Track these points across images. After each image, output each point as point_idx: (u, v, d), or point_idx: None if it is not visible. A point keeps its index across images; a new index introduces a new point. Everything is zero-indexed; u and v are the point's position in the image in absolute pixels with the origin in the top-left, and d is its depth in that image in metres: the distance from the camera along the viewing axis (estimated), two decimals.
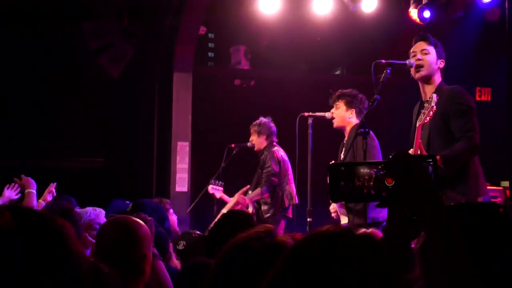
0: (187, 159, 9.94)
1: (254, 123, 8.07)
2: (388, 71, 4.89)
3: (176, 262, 4.47)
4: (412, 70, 5.01)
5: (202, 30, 10.63)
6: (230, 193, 8.13)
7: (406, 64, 5.00)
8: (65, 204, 4.63)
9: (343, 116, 6.30)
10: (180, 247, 4.62)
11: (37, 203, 5.60)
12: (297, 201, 7.82)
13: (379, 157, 6.01)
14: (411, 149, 4.73)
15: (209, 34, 11.59)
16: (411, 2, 7.71)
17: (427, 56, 4.99)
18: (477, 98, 9.95)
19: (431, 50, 5.01)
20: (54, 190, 5.97)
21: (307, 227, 6.04)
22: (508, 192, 7.79)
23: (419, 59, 4.97)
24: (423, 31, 5.34)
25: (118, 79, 10.01)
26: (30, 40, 10.00)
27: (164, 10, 9.96)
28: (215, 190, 8.17)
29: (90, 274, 1.35)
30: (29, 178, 5.66)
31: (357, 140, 5.28)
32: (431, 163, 1.82)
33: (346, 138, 6.31)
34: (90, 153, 10.67)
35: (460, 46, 9.34)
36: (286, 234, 1.96)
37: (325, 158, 6.61)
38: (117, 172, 10.36)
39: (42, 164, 9.93)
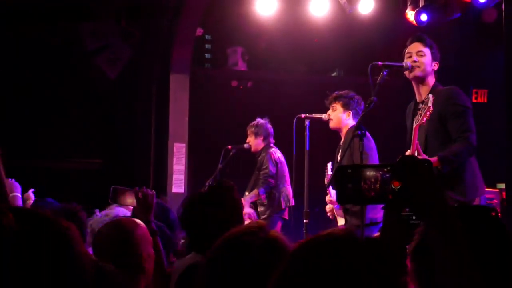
0: (184, 160, 9.94)
1: (251, 124, 8.08)
2: (385, 73, 4.90)
3: None
4: (407, 71, 5.03)
5: (199, 31, 10.63)
6: None
7: (403, 66, 5.01)
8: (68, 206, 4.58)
9: (340, 118, 6.30)
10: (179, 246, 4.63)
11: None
12: (293, 203, 7.83)
13: (375, 159, 6.02)
14: (408, 150, 4.74)
15: (206, 36, 11.60)
16: (408, 4, 7.71)
17: (422, 58, 5.00)
18: (474, 100, 9.95)
19: (427, 51, 5.01)
20: (32, 195, 5.78)
21: (304, 229, 6.04)
22: (504, 194, 7.80)
23: (414, 61, 4.99)
24: (420, 32, 5.36)
25: (115, 80, 10.01)
26: (28, 40, 10.00)
27: (161, 11, 9.96)
28: None
29: (94, 274, 1.34)
30: (13, 181, 5.46)
31: (354, 142, 5.28)
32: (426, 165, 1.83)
33: (342, 140, 6.31)
34: (87, 154, 10.66)
35: (457, 47, 9.36)
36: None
37: (322, 159, 6.64)
38: (114, 173, 10.36)
39: (40, 165, 9.93)
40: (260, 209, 7.83)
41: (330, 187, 5.97)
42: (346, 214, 6.00)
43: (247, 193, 7.95)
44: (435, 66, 5.05)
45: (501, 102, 7.29)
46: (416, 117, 4.76)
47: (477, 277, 1.57)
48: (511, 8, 6.75)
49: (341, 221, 6.13)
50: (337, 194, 1.85)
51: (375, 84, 4.85)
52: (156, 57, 10.23)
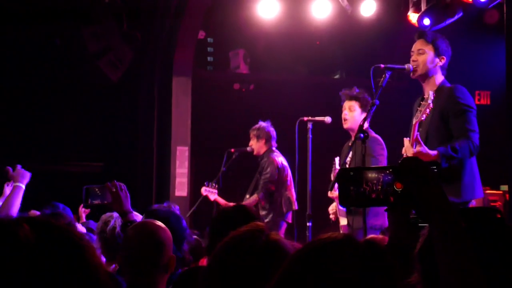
0: (186, 163, 9.93)
1: (253, 127, 8.06)
2: (387, 75, 4.89)
3: None
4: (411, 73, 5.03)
5: (201, 34, 10.63)
6: (229, 197, 8.12)
7: (405, 68, 5.00)
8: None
9: (358, 119, 5.99)
10: None
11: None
12: (296, 207, 7.79)
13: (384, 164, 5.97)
14: (406, 140, 4.70)
15: (208, 39, 11.59)
16: (410, 6, 7.70)
17: (421, 56, 4.98)
18: (477, 102, 9.94)
19: (428, 49, 5.00)
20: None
21: (307, 232, 6.03)
22: (507, 196, 7.78)
23: (413, 61, 4.99)
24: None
25: (117, 83, 10.00)
26: (30, 43, 10.00)
27: (163, 14, 9.97)
28: (209, 192, 8.09)
29: (110, 285, 1.32)
30: (23, 171, 5.23)
31: (365, 145, 5.13)
32: (435, 170, 1.83)
33: (352, 139, 6.21)
34: (89, 157, 10.66)
35: (459, 49, 9.34)
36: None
37: (324, 162, 6.62)
38: (116, 176, 10.32)
39: (41, 168, 9.92)
40: (262, 213, 7.81)
41: (337, 184, 5.92)
42: (349, 214, 5.95)
43: (247, 196, 7.95)
44: (441, 61, 5.01)
45: (504, 103, 7.27)
46: (416, 114, 4.75)
47: (482, 279, 1.57)
48: None
49: (343, 221, 6.10)
50: (339, 196, 1.86)
51: (378, 87, 4.84)
52: (158, 60, 10.23)
